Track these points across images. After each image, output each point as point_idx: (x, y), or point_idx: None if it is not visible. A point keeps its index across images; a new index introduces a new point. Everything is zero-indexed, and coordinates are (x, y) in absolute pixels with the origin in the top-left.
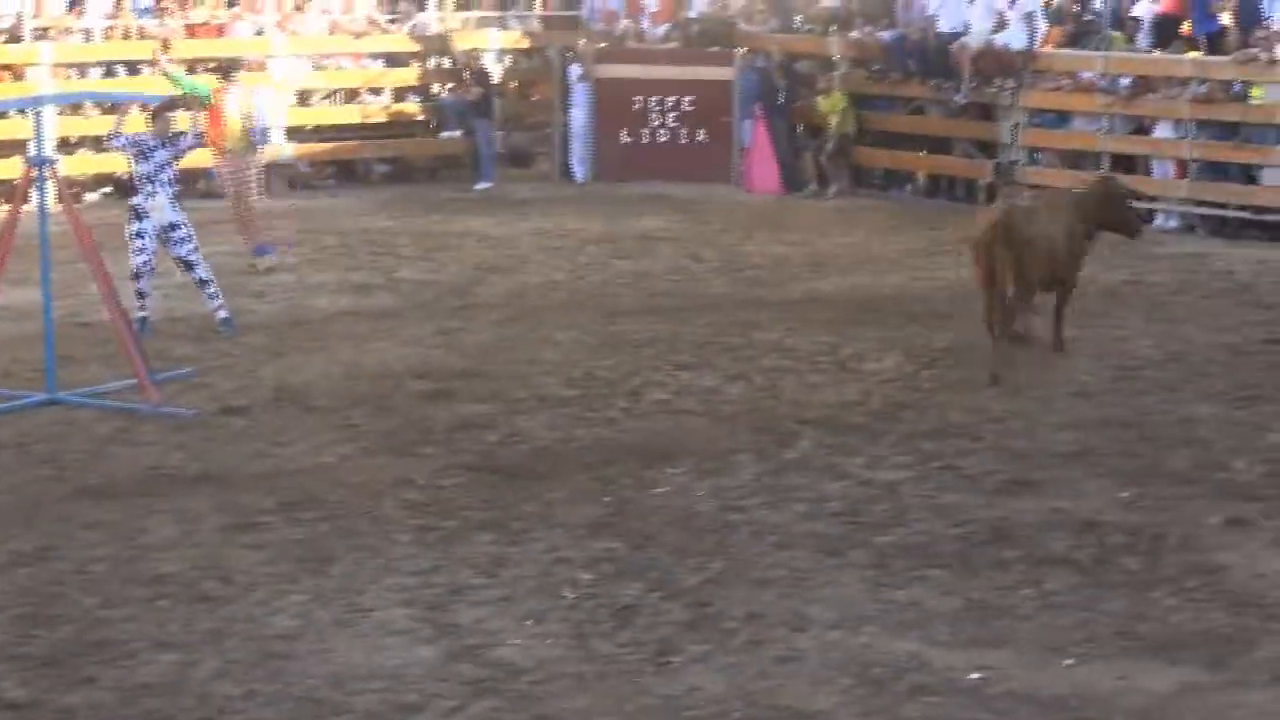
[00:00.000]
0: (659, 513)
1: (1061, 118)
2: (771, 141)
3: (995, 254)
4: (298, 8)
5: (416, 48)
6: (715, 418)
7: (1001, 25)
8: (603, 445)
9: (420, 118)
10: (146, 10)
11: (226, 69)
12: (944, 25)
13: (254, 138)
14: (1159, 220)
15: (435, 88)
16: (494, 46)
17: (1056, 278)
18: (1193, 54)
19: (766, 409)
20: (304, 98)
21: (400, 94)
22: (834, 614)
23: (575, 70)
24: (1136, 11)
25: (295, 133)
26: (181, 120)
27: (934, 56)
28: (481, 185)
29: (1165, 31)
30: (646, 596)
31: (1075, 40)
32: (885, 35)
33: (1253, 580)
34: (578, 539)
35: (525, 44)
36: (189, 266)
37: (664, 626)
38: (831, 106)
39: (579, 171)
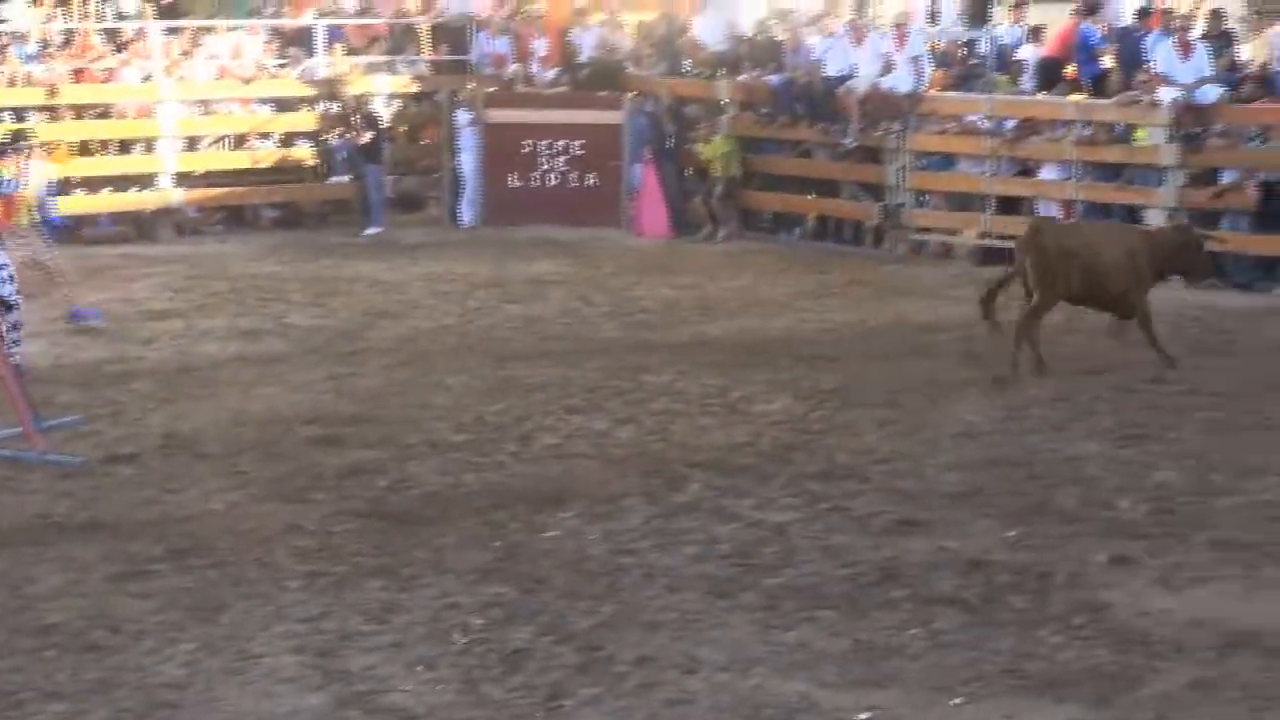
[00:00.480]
0: (550, 557)
1: (947, 160)
2: (661, 185)
3: (1021, 259)
4: (185, 53)
5: (306, 92)
6: (606, 461)
7: (889, 69)
8: (493, 490)
9: (310, 163)
10: (32, 56)
11: (10, 140)
12: (830, 69)
13: (40, 210)
14: None
15: (325, 133)
16: (383, 91)
17: (1106, 298)
18: (1076, 96)
19: (657, 452)
20: (192, 143)
21: (289, 139)
22: (724, 656)
23: (464, 115)
24: (1021, 55)
25: (183, 178)
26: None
27: (821, 100)
28: (371, 230)
29: (1049, 74)
30: (537, 641)
31: (960, 83)
32: (773, 79)
33: (1138, 618)
34: (468, 584)
35: (414, 88)
36: (7, 308)
37: (555, 670)
38: (713, 151)
39: (468, 216)
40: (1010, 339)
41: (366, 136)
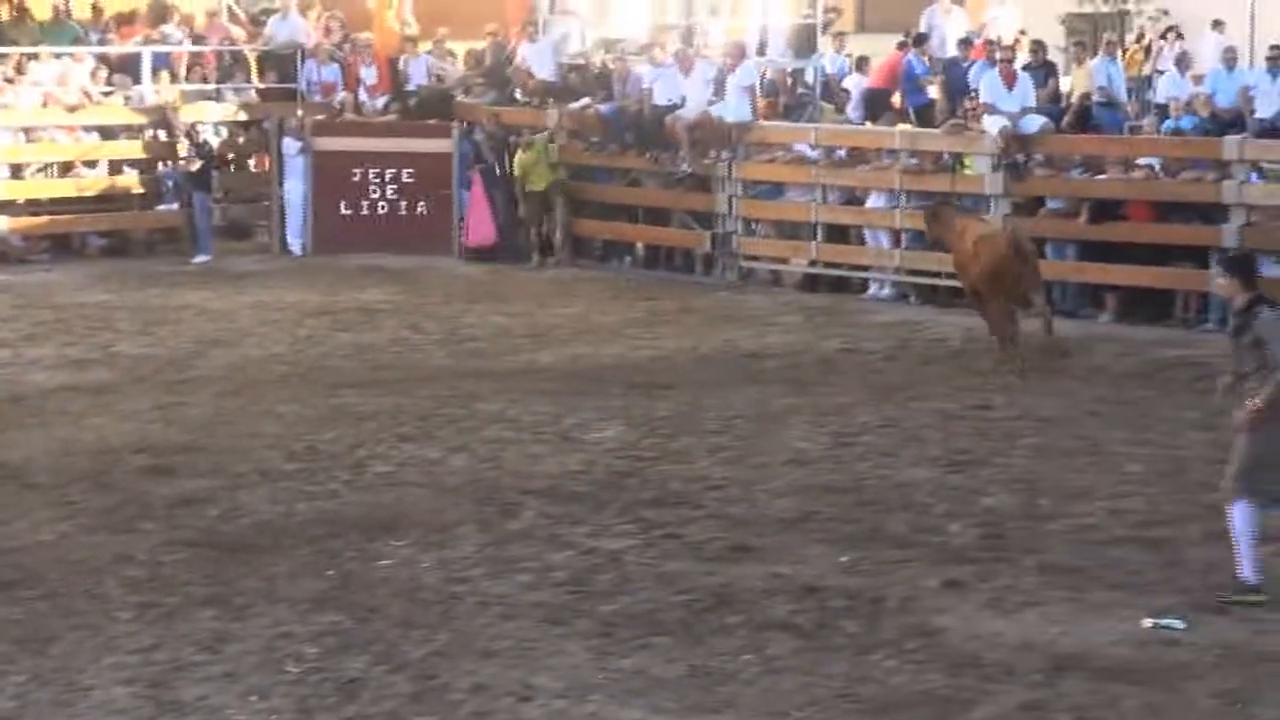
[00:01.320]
0: (383, 585)
1: (777, 188)
2: (488, 200)
3: (1010, 266)
4: (9, 80)
5: (133, 120)
6: (439, 489)
7: (721, 97)
8: (326, 518)
9: (137, 190)
10: None
11: None
12: (659, 98)
13: None
14: (873, 289)
15: (153, 161)
16: (211, 119)
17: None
18: (903, 126)
19: (490, 480)
20: (16, 171)
21: (116, 167)
22: (560, 683)
23: (292, 143)
24: (846, 85)
25: (7, 206)
26: None
27: (650, 128)
28: (200, 258)
29: (876, 104)
30: (372, 670)
31: (788, 113)
32: (603, 108)
33: (969, 641)
34: (301, 613)
35: (242, 116)
36: None
37: (390, 700)
38: (523, 163)
39: (297, 244)
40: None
41: (195, 164)
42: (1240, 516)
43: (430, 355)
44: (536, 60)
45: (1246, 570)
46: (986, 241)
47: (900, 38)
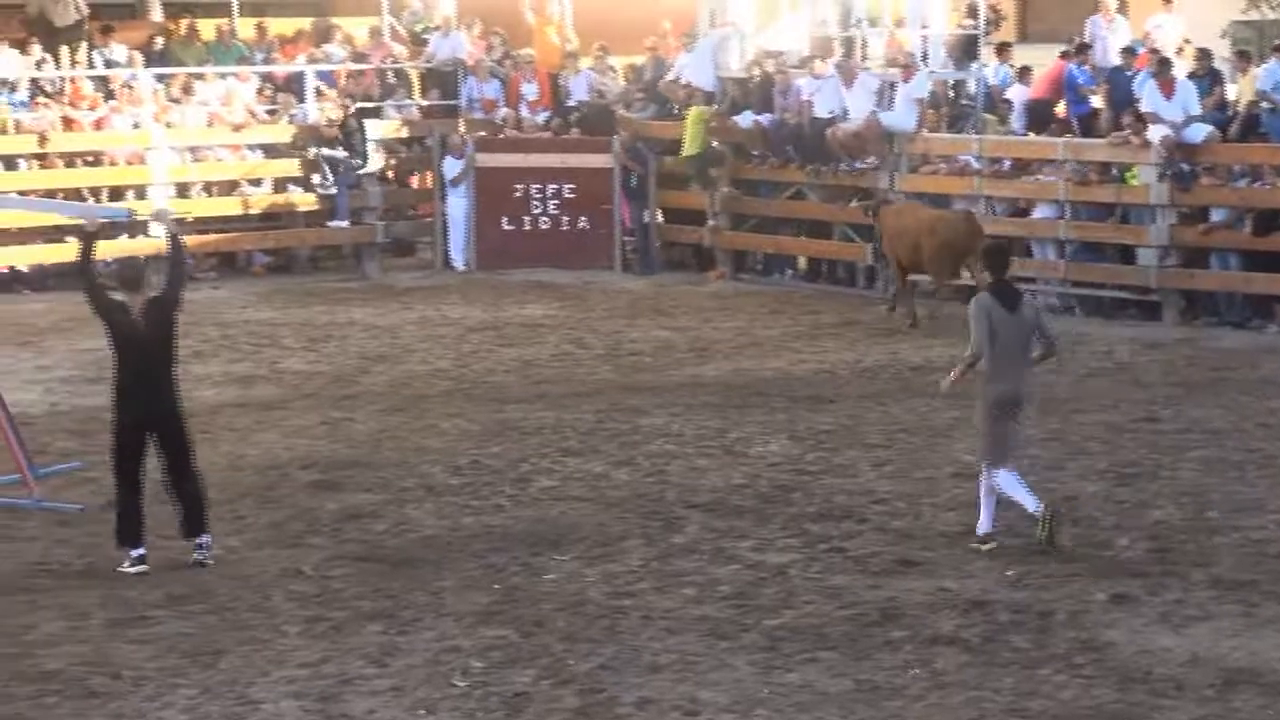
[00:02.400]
0: (549, 599)
1: (940, 200)
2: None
3: (966, 244)
4: (174, 100)
5: (295, 137)
6: (603, 504)
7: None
8: (491, 533)
9: (302, 208)
10: (22, 103)
11: None
12: (820, 110)
13: None
14: (1038, 300)
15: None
16: (373, 136)
17: None
18: (1067, 136)
19: (654, 494)
20: (183, 190)
21: (280, 185)
22: (726, 698)
23: (454, 159)
24: (1009, 95)
25: (176, 224)
26: None
27: (811, 141)
28: (335, 223)
29: (1039, 115)
30: (538, 684)
31: (951, 124)
32: (764, 120)
33: (1139, 656)
34: (468, 627)
35: (404, 133)
36: None
37: (556, 714)
38: (692, 123)
39: (459, 260)
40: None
41: (346, 140)
42: (1003, 481)
43: (594, 369)
44: (695, 71)
45: (987, 525)
46: (946, 221)
47: (1063, 47)
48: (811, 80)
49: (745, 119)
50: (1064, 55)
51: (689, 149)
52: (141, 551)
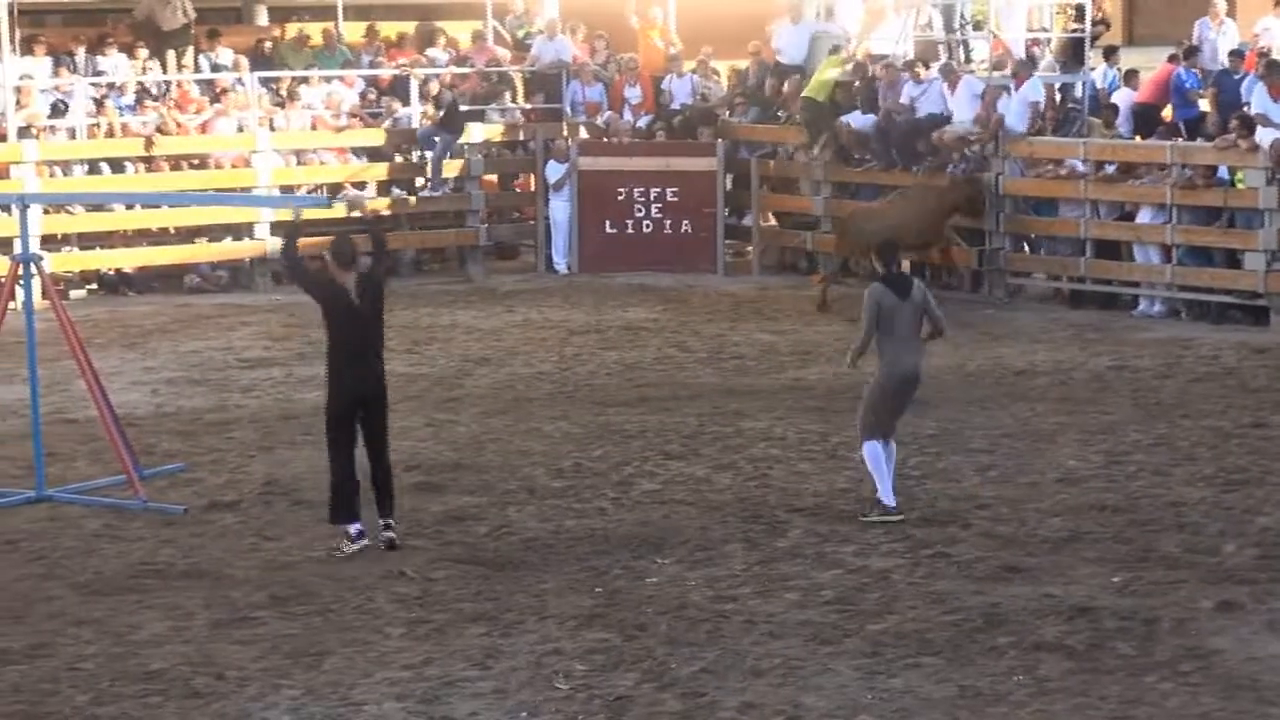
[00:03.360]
0: (651, 603)
1: (1047, 204)
2: None
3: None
4: (280, 104)
5: (395, 142)
6: (705, 507)
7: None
8: (593, 536)
9: (408, 211)
10: (129, 107)
11: None
12: (923, 114)
13: None
14: (1143, 305)
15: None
16: (477, 139)
17: None
18: (1174, 139)
19: (756, 498)
20: (288, 192)
21: (384, 188)
22: (829, 703)
23: (558, 163)
24: (1116, 99)
25: (277, 228)
26: None
27: (905, 145)
28: (429, 192)
29: (1145, 119)
30: (640, 687)
31: (1057, 128)
32: (866, 121)
33: (1246, 664)
34: (570, 630)
35: (508, 136)
36: None
37: (659, 717)
38: (825, 69)
39: (562, 263)
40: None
41: (440, 114)
42: (869, 453)
43: (696, 373)
44: (791, 43)
45: (885, 497)
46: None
47: (1170, 50)
48: (915, 84)
49: (857, 119)
50: (1172, 59)
51: (812, 91)
52: (360, 526)
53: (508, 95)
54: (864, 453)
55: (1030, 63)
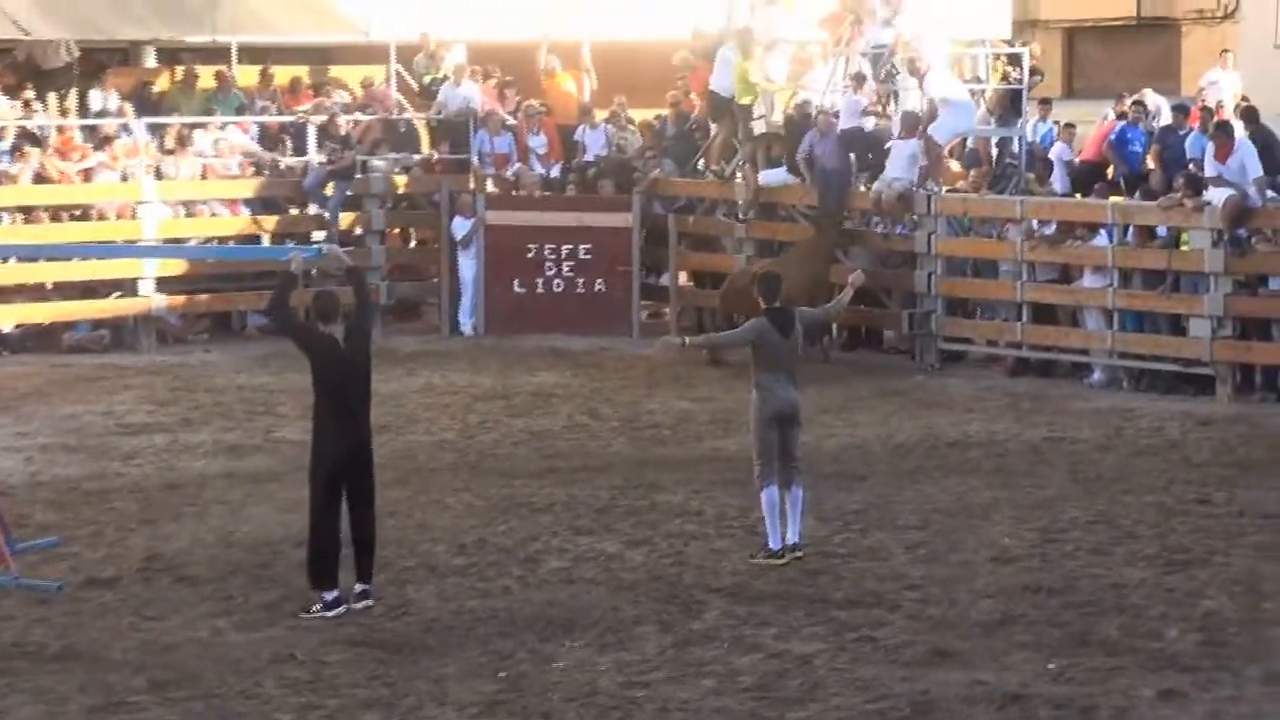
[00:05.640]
0: (558, 689)
1: (981, 265)
2: None
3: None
4: (168, 151)
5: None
6: (617, 586)
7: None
8: (497, 617)
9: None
10: (5, 153)
11: None
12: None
13: None
14: (1096, 374)
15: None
16: (377, 191)
17: None
18: (1116, 199)
19: (672, 577)
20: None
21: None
22: None
23: (464, 218)
24: (1051, 154)
25: (165, 284)
26: None
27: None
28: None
29: (1086, 177)
30: None
31: (994, 184)
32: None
33: None
34: (471, 718)
35: (411, 189)
36: None
37: None
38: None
39: (468, 324)
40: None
41: (336, 159)
42: (764, 500)
43: (608, 442)
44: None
45: (772, 542)
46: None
47: (1111, 104)
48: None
49: (775, 176)
50: (1120, 117)
51: (741, 96)
52: (337, 594)
53: (409, 144)
54: (760, 499)
55: (913, 117)
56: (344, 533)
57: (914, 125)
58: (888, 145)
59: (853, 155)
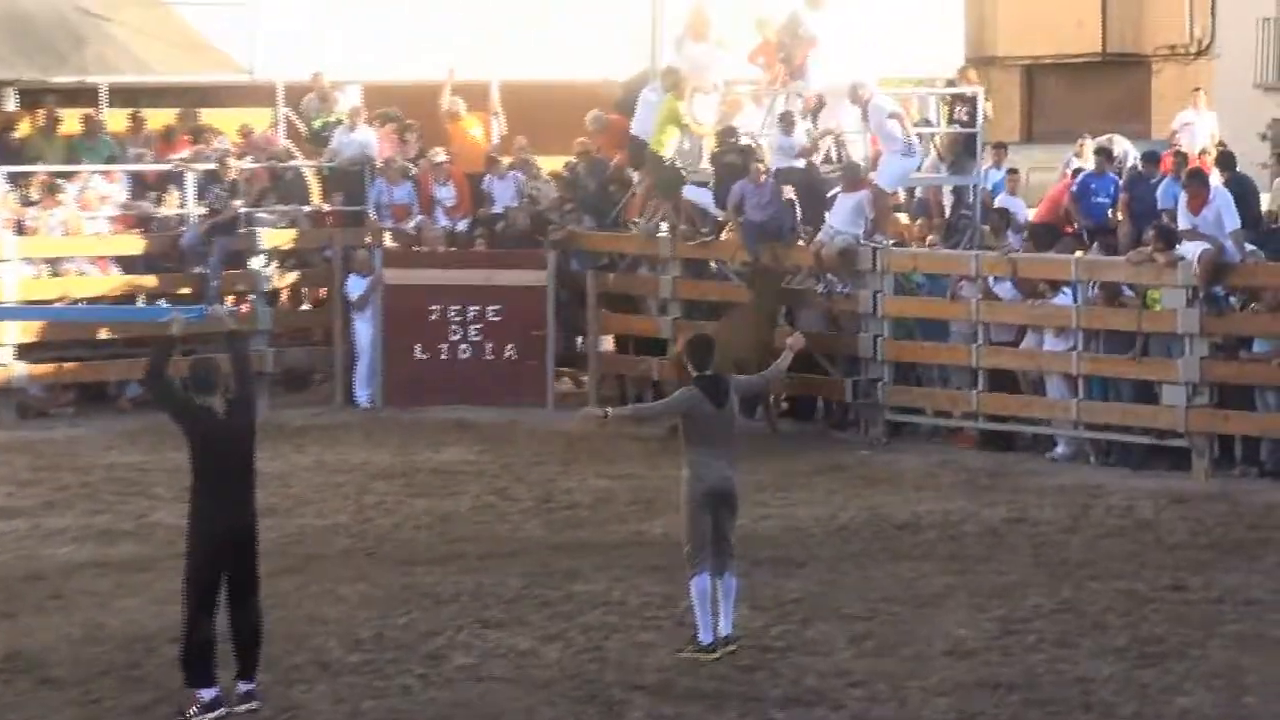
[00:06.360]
0: None
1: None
2: None
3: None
4: (31, 203)
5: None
6: (530, 685)
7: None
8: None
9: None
10: None
11: None
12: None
13: None
14: (1060, 447)
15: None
16: (264, 245)
17: None
18: (1080, 254)
19: (591, 674)
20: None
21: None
22: None
23: (359, 276)
24: (1002, 203)
25: (27, 351)
26: None
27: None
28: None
29: (1042, 238)
30: None
31: (946, 236)
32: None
33: None
34: None
35: (299, 244)
36: None
37: None
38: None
39: (364, 395)
40: None
41: (216, 215)
42: (694, 588)
43: (520, 525)
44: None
45: (703, 635)
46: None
47: (1072, 149)
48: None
49: (702, 195)
50: (1071, 172)
51: (660, 132)
52: (216, 694)
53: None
54: (690, 587)
55: (855, 169)
56: (223, 626)
57: (856, 180)
58: (830, 194)
59: (794, 196)
